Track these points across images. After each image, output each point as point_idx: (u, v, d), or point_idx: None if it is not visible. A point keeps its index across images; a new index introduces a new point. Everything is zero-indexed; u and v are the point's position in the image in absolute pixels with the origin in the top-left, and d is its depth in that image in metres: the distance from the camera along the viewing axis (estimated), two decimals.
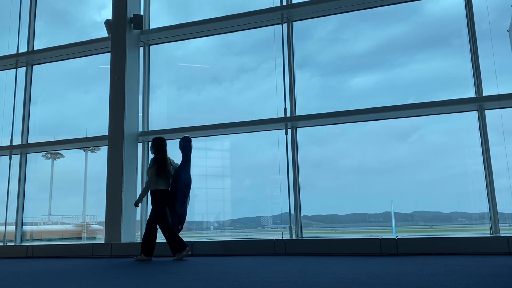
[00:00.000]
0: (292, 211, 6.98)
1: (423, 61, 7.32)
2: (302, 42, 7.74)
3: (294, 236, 6.86)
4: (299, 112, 7.29)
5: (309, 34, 7.87)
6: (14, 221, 8.49)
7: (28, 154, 8.79)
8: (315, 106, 7.51)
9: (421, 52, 7.35)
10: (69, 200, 9.05)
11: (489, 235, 6.06)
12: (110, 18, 8.10)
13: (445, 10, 7.25)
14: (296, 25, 7.63)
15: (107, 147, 7.69)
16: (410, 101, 6.90)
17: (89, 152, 8.89)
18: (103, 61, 8.41)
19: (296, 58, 7.52)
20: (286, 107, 7.27)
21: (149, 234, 5.99)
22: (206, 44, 8.59)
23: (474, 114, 6.51)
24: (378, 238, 6.06)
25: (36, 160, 9.03)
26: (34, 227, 9.08)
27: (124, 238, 7.28)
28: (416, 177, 7.13)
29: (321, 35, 7.88)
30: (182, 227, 6.12)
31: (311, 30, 7.87)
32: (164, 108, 8.60)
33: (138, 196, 6.40)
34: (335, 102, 7.46)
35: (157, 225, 5.99)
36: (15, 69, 9.07)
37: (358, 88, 7.62)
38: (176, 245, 5.91)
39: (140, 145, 7.92)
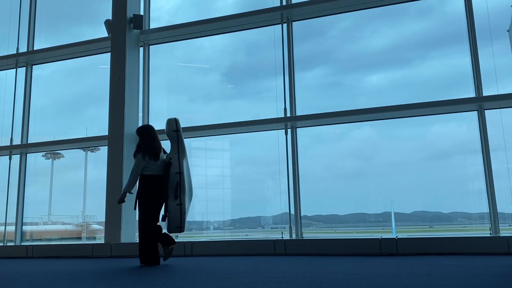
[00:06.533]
0: (292, 211, 6.98)
1: (428, 60, 7.34)
2: (314, 40, 7.76)
3: (294, 236, 6.86)
4: (311, 111, 7.27)
5: (322, 32, 7.88)
6: (14, 221, 8.48)
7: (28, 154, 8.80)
8: (327, 104, 7.48)
9: (429, 51, 7.36)
10: (69, 200, 9.05)
11: (489, 235, 6.06)
12: (110, 18, 8.10)
13: (456, 9, 7.25)
14: (307, 23, 7.63)
15: (107, 147, 7.69)
16: (417, 100, 6.84)
17: (89, 152, 8.89)
18: (103, 61, 8.40)
19: (305, 57, 7.53)
20: (286, 107, 7.27)
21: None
22: (206, 44, 8.60)
23: (474, 114, 6.51)
24: (378, 238, 6.06)
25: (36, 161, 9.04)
26: (34, 227, 9.08)
27: (124, 238, 7.27)
28: (416, 177, 7.13)
29: (334, 33, 7.90)
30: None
31: (324, 28, 7.88)
32: (164, 108, 8.60)
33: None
34: (347, 100, 7.45)
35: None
36: (15, 69, 9.07)
37: (371, 86, 7.62)
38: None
39: None
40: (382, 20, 7.55)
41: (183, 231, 5.39)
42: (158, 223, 5.29)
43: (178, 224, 5.24)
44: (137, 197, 5.28)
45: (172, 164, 5.27)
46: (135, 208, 5.28)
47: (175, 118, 5.56)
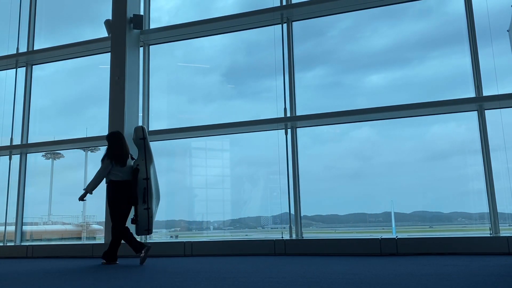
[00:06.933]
0: (292, 211, 6.98)
1: (428, 60, 7.34)
2: (314, 40, 7.77)
3: (294, 236, 6.86)
4: (311, 111, 7.27)
5: (322, 32, 7.88)
6: (14, 221, 8.48)
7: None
8: (327, 104, 7.46)
9: (429, 51, 7.36)
10: (69, 200, 9.04)
11: (489, 235, 6.06)
12: (109, 17, 8.10)
13: (456, 9, 7.25)
14: (307, 23, 7.64)
15: (107, 147, 7.67)
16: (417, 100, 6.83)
17: (89, 152, 8.89)
18: (103, 61, 8.40)
19: (305, 57, 7.54)
20: (286, 107, 7.27)
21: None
22: (206, 44, 8.60)
23: (474, 114, 6.51)
24: (378, 238, 6.06)
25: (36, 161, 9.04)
26: (34, 227, 9.08)
27: None
28: (416, 177, 7.13)
29: (334, 33, 7.91)
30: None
31: (324, 28, 7.88)
32: (164, 108, 8.60)
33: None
34: (347, 100, 7.45)
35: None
36: (15, 69, 9.06)
37: (371, 86, 7.62)
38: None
39: None
40: (382, 20, 7.55)
41: (151, 233, 5.69)
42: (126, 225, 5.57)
43: (146, 227, 5.54)
44: (107, 202, 5.54)
45: (140, 170, 5.53)
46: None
47: (142, 126, 5.85)
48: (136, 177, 5.52)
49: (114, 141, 5.65)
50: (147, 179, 5.51)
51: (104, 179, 5.56)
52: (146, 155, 5.64)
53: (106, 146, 5.72)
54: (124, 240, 5.53)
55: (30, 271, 5.02)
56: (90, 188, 5.51)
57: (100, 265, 5.50)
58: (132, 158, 5.77)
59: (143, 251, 5.38)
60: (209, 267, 4.87)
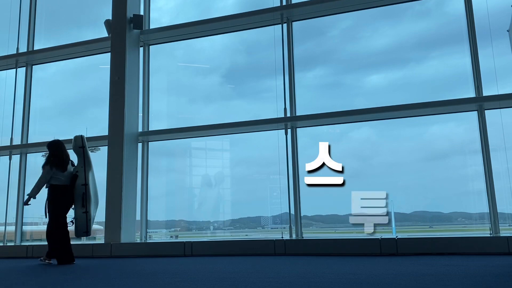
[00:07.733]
0: (292, 211, 6.98)
1: (428, 60, 7.34)
2: (314, 40, 7.77)
3: (294, 236, 6.86)
4: (311, 111, 7.26)
5: (322, 32, 7.88)
6: (14, 221, 8.48)
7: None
8: (327, 104, 7.45)
9: (429, 51, 7.36)
10: None
11: (489, 235, 6.06)
12: (110, 18, 8.10)
13: (456, 9, 7.25)
14: (307, 23, 7.64)
15: (107, 147, 7.69)
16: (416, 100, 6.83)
17: (89, 152, 8.87)
18: (104, 61, 8.39)
19: (305, 57, 7.54)
20: (286, 107, 7.27)
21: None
22: (206, 44, 8.60)
23: (474, 114, 6.51)
24: (378, 238, 6.06)
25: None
26: (34, 227, 9.07)
27: (124, 238, 7.28)
28: (416, 177, 7.12)
29: (334, 33, 7.90)
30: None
31: (324, 28, 7.88)
32: (164, 108, 8.60)
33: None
34: (347, 100, 7.44)
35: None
36: (15, 69, 9.06)
37: (371, 86, 7.62)
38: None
39: (140, 145, 7.92)
40: (382, 20, 7.55)
41: (89, 235, 6.01)
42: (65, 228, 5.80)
43: (84, 229, 5.85)
44: (46, 204, 5.76)
45: (79, 177, 5.90)
46: (46, 216, 5.79)
47: (81, 135, 6.21)
48: (74, 183, 5.84)
49: (55, 148, 5.93)
50: (86, 185, 5.85)
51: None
52: (85, 162, 6.00)
53: (47, 153, 6.01)
54: (48, 238, 5.69)
55: (29, 271, 5.02)
56: (34, 193, 5.74)
57: (99, 265, 5.50)
58: (73, 165, 6.04)
59: (46, 259, 5.73)
60: (209, 267, 4.87)
